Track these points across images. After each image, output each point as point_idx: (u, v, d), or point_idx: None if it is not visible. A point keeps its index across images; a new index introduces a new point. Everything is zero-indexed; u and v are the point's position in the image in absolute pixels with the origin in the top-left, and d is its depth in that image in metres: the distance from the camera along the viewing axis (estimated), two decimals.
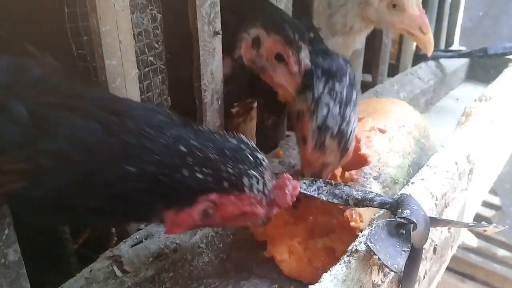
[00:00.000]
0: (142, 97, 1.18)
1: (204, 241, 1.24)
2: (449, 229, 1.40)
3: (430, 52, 1.82)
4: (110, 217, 0.95)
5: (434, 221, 1.08)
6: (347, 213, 1.26)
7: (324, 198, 1.21)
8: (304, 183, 1.29)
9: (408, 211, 1.03)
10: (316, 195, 1.23)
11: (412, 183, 1.29)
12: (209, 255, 1.27)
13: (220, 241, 1.30)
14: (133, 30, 1.11)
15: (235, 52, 1.40)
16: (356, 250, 1.00)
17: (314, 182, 1.27)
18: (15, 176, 0.82)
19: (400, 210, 1.05)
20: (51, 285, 1.11)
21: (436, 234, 1.32)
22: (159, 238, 1.19)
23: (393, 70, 2.66)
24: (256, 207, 0.90)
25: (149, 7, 1.15)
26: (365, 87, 2.38)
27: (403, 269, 0.95)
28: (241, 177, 0.87)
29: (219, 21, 1.26)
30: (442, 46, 3.11)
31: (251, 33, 1.37)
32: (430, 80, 2.65)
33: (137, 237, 1.18)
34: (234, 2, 1.41)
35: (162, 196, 0.83)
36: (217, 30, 1.25)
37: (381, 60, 2.33)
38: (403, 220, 1.00)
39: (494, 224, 1.06)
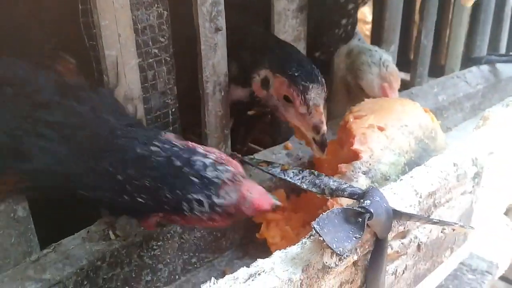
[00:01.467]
0: (146, 84, 1.33)
1: None
2: (443, 229, 1.40)
3: None
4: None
5: (398, 214, 1.11)
6: (329, 203, 1.32)
7: (305, 187, 1.28)
8: (293, 172, 1.37)
9: (369, 201, 1.08)
10: (299, 183, 1.31)
11: (401, 179, 1.32)
12: (202, 231, 1.39)
13: None
14: (138, 24, 1.27)
15: (251, 89, 1.45)
16: (315, 233, 1.07)
17: (300, 172, 1.35)
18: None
19: (362, 200, 1.10)
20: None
21: (424, 232, 1.33)
22: None
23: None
24: (206, 222, 0.96)
25: (156, 5, 1.29)
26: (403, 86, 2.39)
27: (349, 253, 1.01)
28: (180, 202, 0.93)
29: (222, 19, 1.38)
30: (503, 51, 2.98)
31: (260, 74, 1.41)
32: (479, 84, 2.56)
33: None
34: (248, 39, 1.48)
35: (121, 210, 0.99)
36: (219, 27, 1.37)
37: (419, 61, 2.31)
38: (360, 209, 1.05)
39: (460, 223, 1.07)
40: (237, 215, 0.99)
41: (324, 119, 1.38)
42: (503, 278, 3.89)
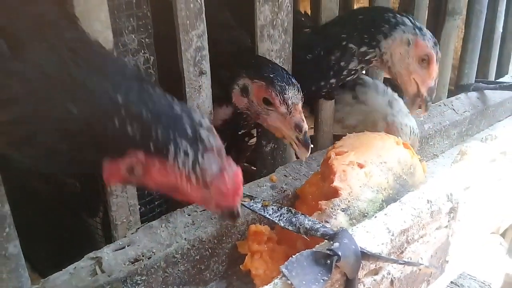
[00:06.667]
0: None
1: (180, 252, 1.42)
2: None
3: None
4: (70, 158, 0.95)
5: (365, 256, 1.17)
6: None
7: (282, 224, 1.35)
8: (272, 209, 1.43)
9: (337, 244, 1.14)
10: (276, 221, 1.37)
11: (375, 217, 1.38)
12: (185, 265, 1.45)
13: (197, 253, 1.47)
14: None
15: (232, 102, 1.56)
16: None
17: (279, 209, 1.41)
18: None
19: (332, 242, 1.16)
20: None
21: (397, 267, 1.39)
22: (138, 246, 1.39)
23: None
24: (181, 180, 0.91)
25: (142, 51, 1.37)
26: None
27: None
28: (168, 144, 0.88)
29: (207, 63, 1.45)
30: (492, 77, 3.04)
31: (239, 84, 1.52)
32: (466, 111, 2.62)
33: (120, 243, 1.39)
34: (228, 60, 1.59)
35: (97, 141, 0.88)
36: (203, 71, 1.44)
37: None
38: (328, 252, 1.12)
39: (426, 264, 1.13)
40: (209, 191, 0.95)
41: (304, 118, 1.47)
42: None
